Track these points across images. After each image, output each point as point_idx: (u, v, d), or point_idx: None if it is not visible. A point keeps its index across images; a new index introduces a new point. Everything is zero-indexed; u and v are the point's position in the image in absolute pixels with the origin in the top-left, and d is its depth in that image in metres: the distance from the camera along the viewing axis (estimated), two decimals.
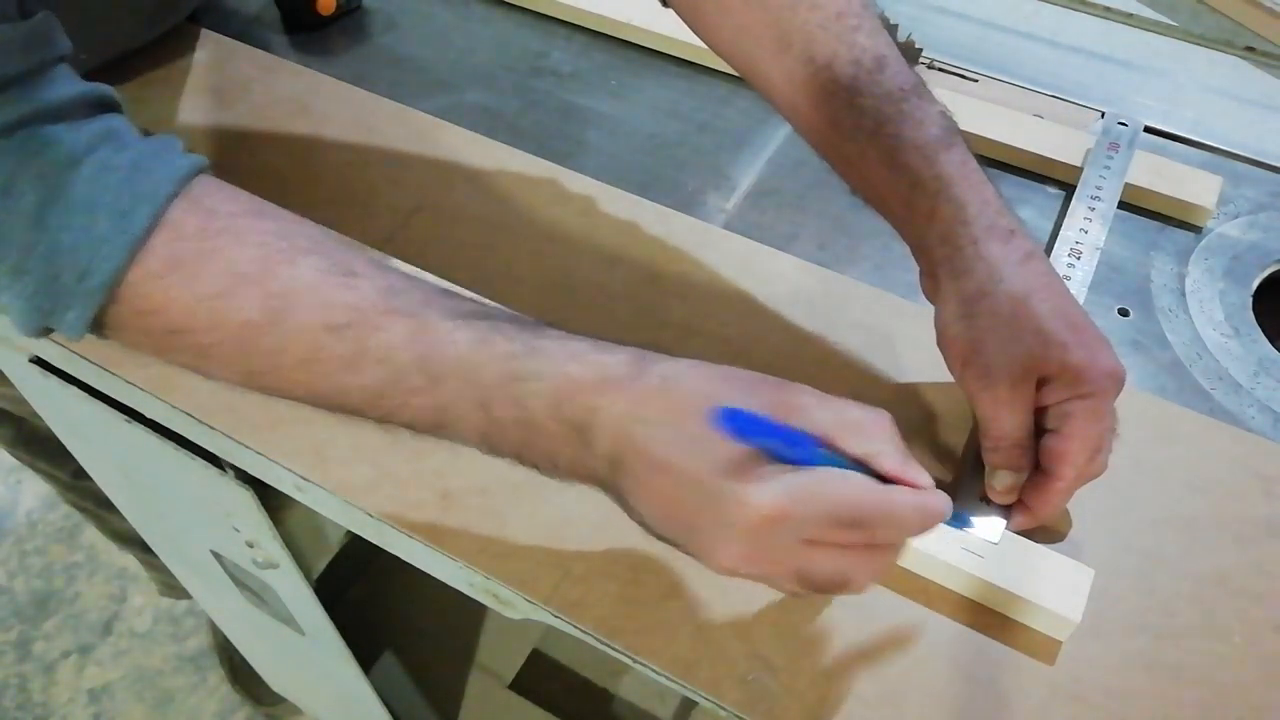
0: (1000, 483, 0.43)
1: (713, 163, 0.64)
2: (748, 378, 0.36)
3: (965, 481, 0.46)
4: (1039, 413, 0.42)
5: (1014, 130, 0.63)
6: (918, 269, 0.46)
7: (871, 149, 0.44)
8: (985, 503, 0.44)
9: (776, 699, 0.40)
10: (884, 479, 0.35)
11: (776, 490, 0.32)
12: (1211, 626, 0.42)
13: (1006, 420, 0.42)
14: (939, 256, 0.44)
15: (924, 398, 0.50)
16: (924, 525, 0.35)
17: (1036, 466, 0.43)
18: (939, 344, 0.45)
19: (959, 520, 0.42)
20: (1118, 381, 0.42)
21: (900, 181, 0.44)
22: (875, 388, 0.51)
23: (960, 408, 0.50)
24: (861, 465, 0.35)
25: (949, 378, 0.51)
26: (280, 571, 0.68)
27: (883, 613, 0.43)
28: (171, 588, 1.27)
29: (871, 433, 0.35)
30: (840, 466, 0.34)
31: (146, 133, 0.41)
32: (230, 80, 0.67)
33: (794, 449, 0.33)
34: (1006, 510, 0.44)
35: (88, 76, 0.41)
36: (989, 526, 0.44)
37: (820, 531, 0.33)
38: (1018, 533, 0.44)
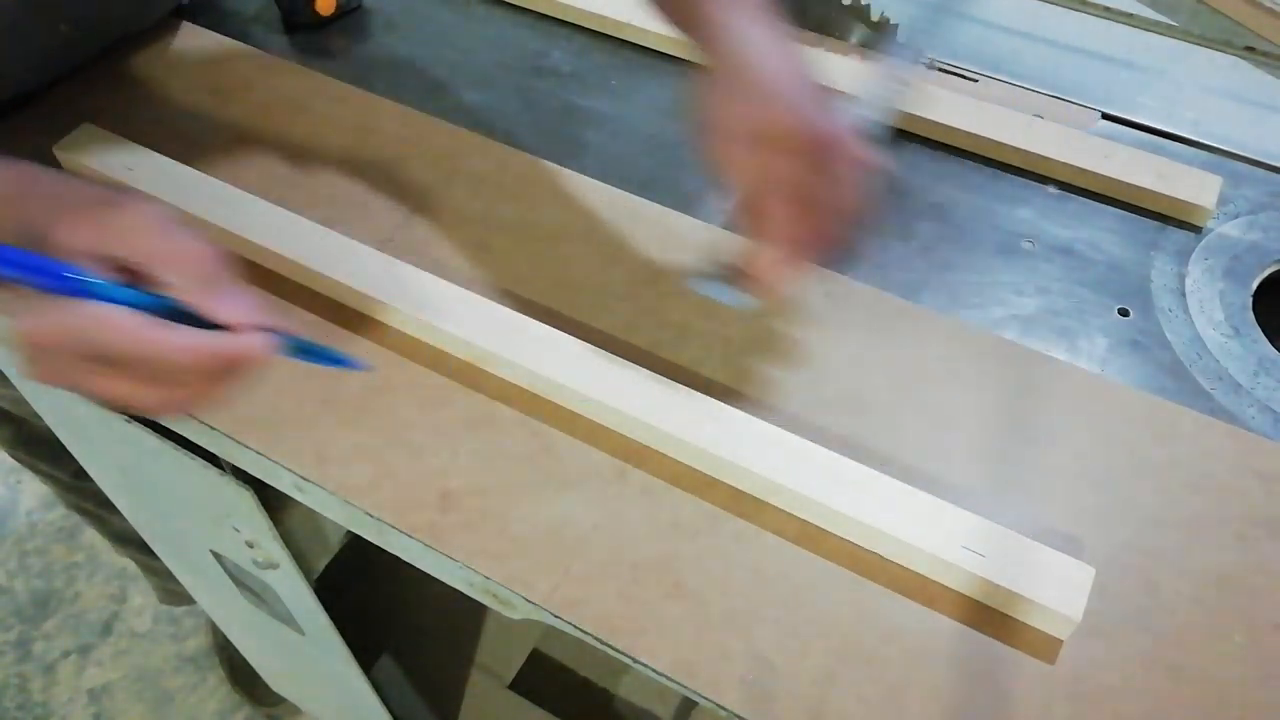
0: (745, 252, 0.45)
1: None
2: (82, 199, 0.37)
3: (714, 255, 0.46)
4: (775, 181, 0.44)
5: (1014, 130, 0.63)
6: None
7: None
8: (733, 274, 0.45)
9: (776, 699, 0.40)
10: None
11: (28, 321, 0.34)
12: (1212, 625, 0.42)
13: (740, 179, 0.44)
14: (710, 48, 0.45)
15: (924, 397, 0.50)
16: (211, 367, 0.35)
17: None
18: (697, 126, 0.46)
19: (318, 356, 0.40)
20: (837, 146, 0.42)
21: None
22: (875, 388, 0.51)
23: (960, 407, 0.50)
24: (173, 301, 0.35)
25: (949, 377, 0.51)
26: (280, 571, 0.68)
27: (883, 613, 0.43)
28: (172, 594, 1.27)
29: (181, 267, 0.35)
30: (137, 299, 0.35)
31: None
32: (230, 80, 0.67)
33: (44, 281, 0.34)
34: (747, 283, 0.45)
35: (85, 62, 0.43)
36: (733, 296, 0.45)
37: (84, 362, 0.34)
38: (765, 300, 0.46)
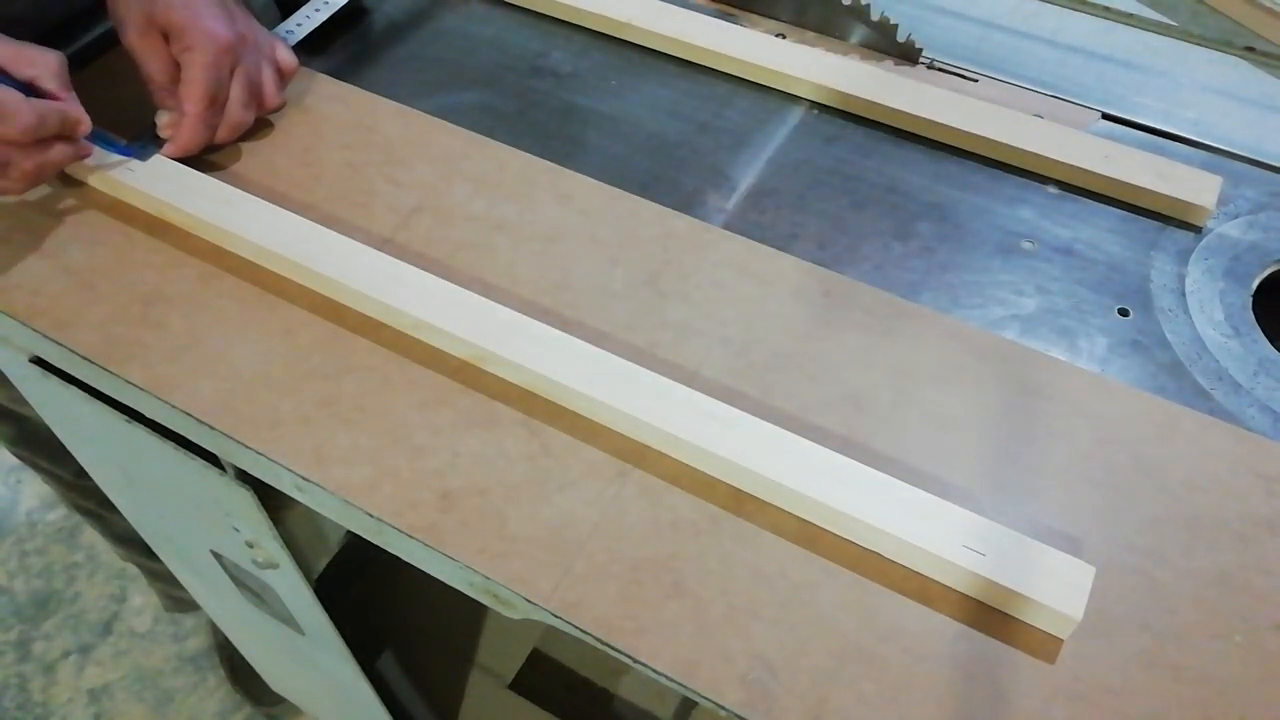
0: (159, 119, 0.58)
1: (713, 163, 0.64)
2: None
3: (147, 124, 0.59)
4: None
5: (1014, 130, 0.63)
6: None
7: None
8: (157, 139, 0.59)
9: (776, 699, 0.40)
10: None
11: None
12: (1212, 625, 0.42)
13: (144, 65, 0.57)
14: None
15: (924, 397, 0.50)
16: (58, 127, 0.51)
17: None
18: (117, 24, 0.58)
19: (110, 145, 0.58)
20: (216, 41, 0.55)
21: None
22: (875, 388, 0.51)
23: (960, 407, 0.50)
24: (27, 86, 0.51)
25: (949, 377, 0.51)
26: (280, 571, 0.68)
27: (883, 613, 0.43)
28: (177, 600, 1.27)
29: (37, 62, 0.51)
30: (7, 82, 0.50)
31: None
32: None
33: None
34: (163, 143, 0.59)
35: (89, 48, 0.49)
36: (147, 152, 0.59)
37: None
38: (176, 158, 0.59)
